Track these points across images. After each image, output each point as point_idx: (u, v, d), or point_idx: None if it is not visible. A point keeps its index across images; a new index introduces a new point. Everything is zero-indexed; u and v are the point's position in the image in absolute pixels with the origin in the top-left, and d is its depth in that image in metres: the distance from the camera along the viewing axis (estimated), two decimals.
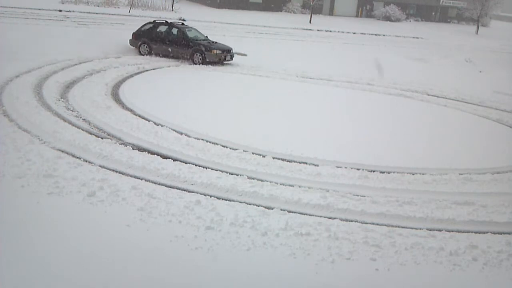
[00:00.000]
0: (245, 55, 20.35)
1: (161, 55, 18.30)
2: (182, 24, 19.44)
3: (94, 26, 24.64)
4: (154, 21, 19.22)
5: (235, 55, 18.73)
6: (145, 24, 18.96)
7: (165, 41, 18.20)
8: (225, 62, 18.27)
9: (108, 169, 7.77)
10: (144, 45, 18.44)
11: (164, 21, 19.16)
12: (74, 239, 5.63)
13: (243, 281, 5.22)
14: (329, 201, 7.29)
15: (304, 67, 18.73)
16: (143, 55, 18.33)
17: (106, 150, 8.47)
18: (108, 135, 9.46)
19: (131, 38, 18.80)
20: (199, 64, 17.65)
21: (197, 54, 17.74)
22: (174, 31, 18.31)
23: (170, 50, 18.17)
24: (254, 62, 19.07)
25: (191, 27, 19.40)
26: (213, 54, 17.70)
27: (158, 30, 18.47)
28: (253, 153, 8.97)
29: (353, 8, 52.32)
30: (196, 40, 18.18)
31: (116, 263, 5.27)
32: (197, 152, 8.88)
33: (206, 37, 19.08)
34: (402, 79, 18.30)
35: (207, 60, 17.68)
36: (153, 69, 16.14)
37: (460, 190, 8.27)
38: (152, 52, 18.37)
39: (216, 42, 18.72)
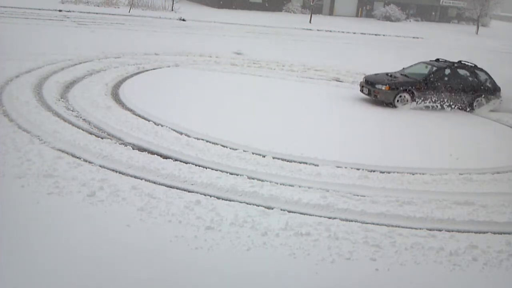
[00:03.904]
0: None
1: None
2: (456, 64, 14.78)
3: (94, 26, 24.64)
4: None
5: None
6: None
7: None
8: (395, 104, 13.78)
9: (108, 169, 7.76)
10: None
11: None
12: (74, 239, 5.63)
13: (243, 281, 5.22)
14: (329, 201, 7.29)
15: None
16: None
17: (106, 150, 8.46)
18: (108, 135, 9.45)
19: None
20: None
21: None
22: None
23: None
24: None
25: (439, 66, 14.53)
26: (378, 91, 13.95)
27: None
28: (253, 153, 8.97)
29: (353, 8, 52.32)
30: (387, 75, 14.51)
31: (116, 263, 5.27)
32: (197, 152, 8.87)
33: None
34: None
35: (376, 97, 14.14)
36: (153, 69, 16.13)
37: (460, 190, 8.27)
38: None
39: (429, 82, 13.93)
